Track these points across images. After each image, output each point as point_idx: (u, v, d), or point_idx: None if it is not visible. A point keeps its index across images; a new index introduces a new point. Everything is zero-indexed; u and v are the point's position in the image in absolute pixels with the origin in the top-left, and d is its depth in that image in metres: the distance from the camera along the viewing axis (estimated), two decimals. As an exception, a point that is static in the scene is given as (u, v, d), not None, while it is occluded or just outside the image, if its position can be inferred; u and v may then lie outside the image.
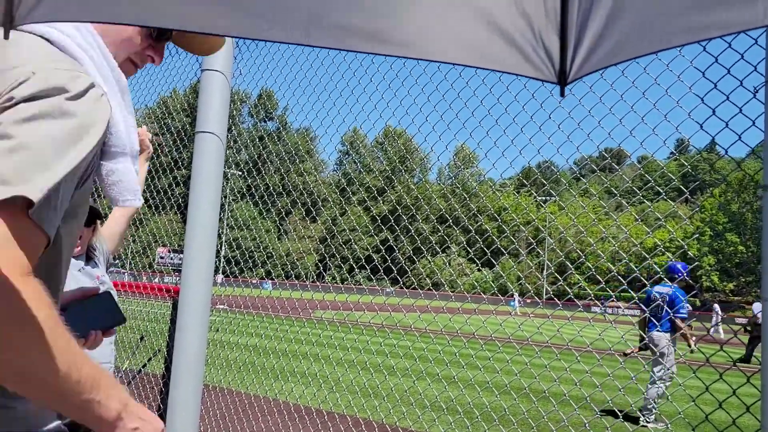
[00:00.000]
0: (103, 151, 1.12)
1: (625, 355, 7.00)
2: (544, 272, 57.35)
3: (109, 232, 3.09)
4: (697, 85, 2.61)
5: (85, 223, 2.95)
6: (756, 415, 1.65)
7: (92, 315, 1.35)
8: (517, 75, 1.51)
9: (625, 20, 1.32)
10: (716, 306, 27.49)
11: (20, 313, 0.87)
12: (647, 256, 3.01)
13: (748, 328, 19.23)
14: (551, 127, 3.12)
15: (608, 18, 1.35)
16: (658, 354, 7.13)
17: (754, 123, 2.04)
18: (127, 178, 1.15)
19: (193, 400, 3.11)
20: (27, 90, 0.97)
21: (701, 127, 2.63)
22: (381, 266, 6.28)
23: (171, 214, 7.67)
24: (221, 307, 18.19)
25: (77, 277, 2.82)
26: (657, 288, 7.29)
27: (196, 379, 3.12)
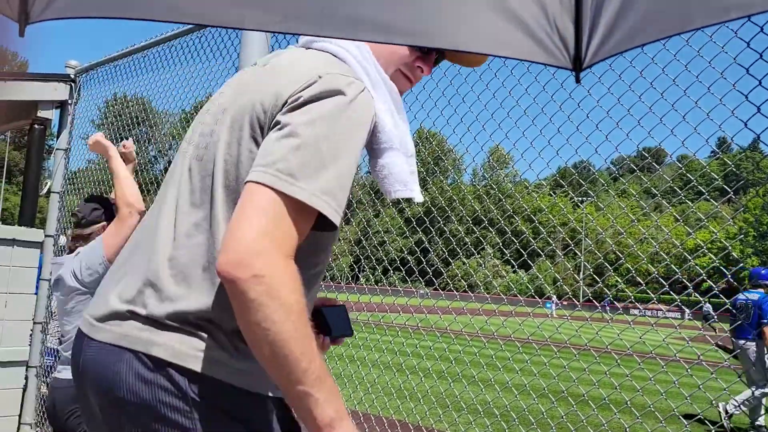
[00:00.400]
0: (373, 149, 1.29)
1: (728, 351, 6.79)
2: (581, 274, 56.51)
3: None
4: (741, 82, 2.54)
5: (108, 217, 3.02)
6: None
7: (333, 321, 1.48)
8: (532, 62, 1.49)
9: (641, 3, 1.29)
10: None
11: (279, 288, 1.00)
12: (689, 257, 2.93)
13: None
14: (589, 127, 3.07)
15: (623, 1, 1.32)
16: (750, 364, 6.89)
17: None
18: (396, 170, 1.28)
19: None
20: (313, 91, 1.13)
21: (746, 125, 2.56)
22: (415, 268, 6.27)
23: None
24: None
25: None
26: (743, 295, 7.06)
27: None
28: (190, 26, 4.43)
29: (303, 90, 1.14)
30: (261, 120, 1.16)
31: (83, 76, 5.79)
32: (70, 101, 5.77)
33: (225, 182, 1.17)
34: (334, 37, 1.24)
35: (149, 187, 6.17)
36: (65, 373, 2.81)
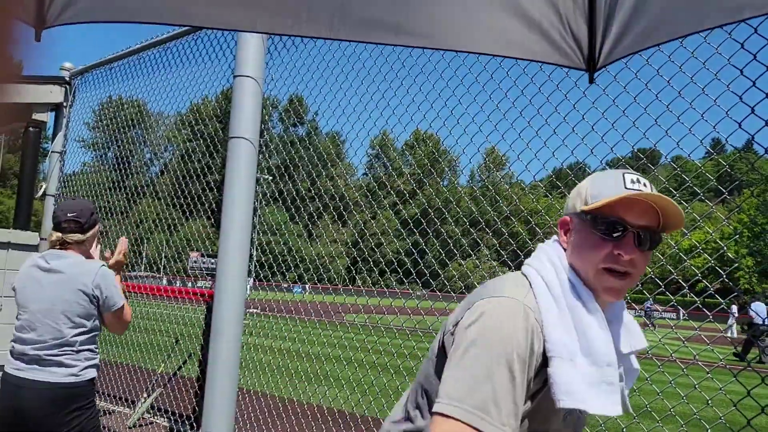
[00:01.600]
0: (546, 356, 1.25)
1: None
2: (578, 275, 56.38)
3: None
4: (735, 83, 2.55)
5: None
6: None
7: None
8: (545, 63, 1.49)
9: (654, 4, 1.28)
10: (734, 307, 27.18)
11: None
12: (684, 257, 2.95)
13: (745, 328, 18.78)
14: (585, 128, 3.08)
15: (637, 2, 1.32)
16: None
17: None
18: (560, 380, 1.23)
19: (229, 402, 3.14)
20: (466, 318, 1.22)
21: (740, 125, 2.57)
22: (412, 269, 6.26)
23: (204, 218, 7.78)
24: (254, 310, 18.36)
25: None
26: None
27: (231, 382, 3.16)
28: (186, 29, 4.42)
29: (463, 316, 1.26)
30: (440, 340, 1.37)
31: (78, 78, 5.78)
32: (65, 104, 5.76)
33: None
34: (346, 40, 1.24)
35: (144, 190, 6.16)
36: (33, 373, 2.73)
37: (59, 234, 2.92)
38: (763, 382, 2.45)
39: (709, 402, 2.78)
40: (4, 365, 2.84)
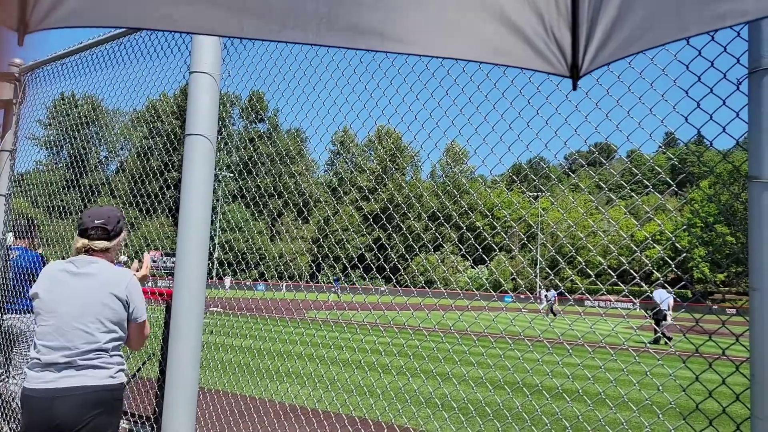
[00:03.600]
0: None
1: None
2: (537, 267, 57.54)
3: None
4: (681, 78, 2.65)
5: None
6: (746, 403, 1.69)
7: None
8: (529, 69, 1.52)
9: (637, 12, 1.32)
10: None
11: None
12: (636, 249, 3.04)
13: (648, 313, 19.98)
14: (539, 123, 3.15)
15: (620, 10, 1.35)
16: None
17: (737, 115, 2.07)
18: None
19: (189, 403, 3.12)
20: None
21: (686, 120, 2.67)
22: (374, 265, 6.30)
23: (162, 217, 7.66)
24: (214, 309, 18.17)
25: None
26: None
27: (191, 382, 3.13)
28: (140, 24, 4.34)
29: None
30: None
31: (28, 74, 5.62)
32: (14, 101, 5.59)
33: None
34: (332, 46, 1.24)
35: (101, 188, 6.04)
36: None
37: (85, 241, 2.84)
38: (710, 367, 2.55)
39: (660, 388, 2.89)
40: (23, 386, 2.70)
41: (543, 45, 1.46)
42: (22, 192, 5.83)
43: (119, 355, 2.85)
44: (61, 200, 6.44)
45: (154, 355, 5.89)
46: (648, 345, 15.00)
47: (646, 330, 22.84)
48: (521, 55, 1.46)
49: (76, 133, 6.35)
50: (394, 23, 1.30)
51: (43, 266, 3.21)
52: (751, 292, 1.71)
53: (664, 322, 16.60)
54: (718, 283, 61.37)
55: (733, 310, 42.85)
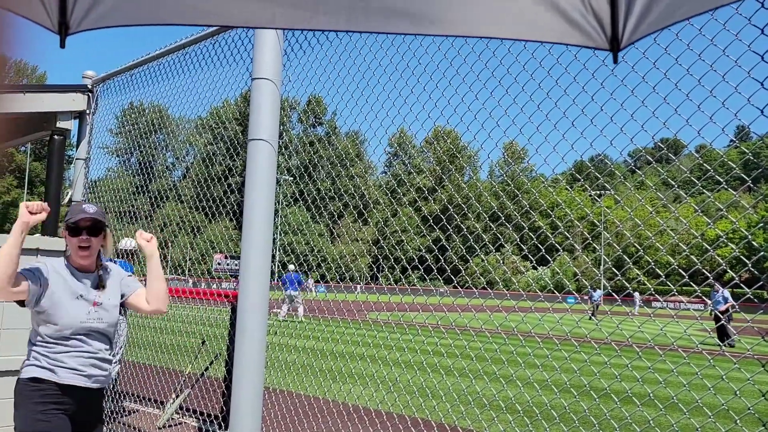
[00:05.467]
0: None
1: None
2: (602, 267, 56.01)
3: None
4: (756, 69, 2.52)
5: (90, 232, 2.84)
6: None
7: None
8: (568, 44, 1.47)
9: None
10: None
11: None
12: (709, 247, 2.91)
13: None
14: (604, 120, 3.06)
15: None
16: None
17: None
18: None
19: (255, 402, 3.18)
20: None
21: (762, 112, 2.54)
22: (434, 266, 6.27)
23: (227, 221, 7.85)
24: (277, 310, 18.51)
25: (67, 306, 2.74)
26: None
27: (257, 382, 3.20)
28: (204, 33, 4.48)
29: None
30: None
31: (100, 86, 5.88)
32: (88, 111, 5.86)
33: None
34: (364, 32, 1.24)
35: (168, 193, 6.24)
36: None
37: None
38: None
39: (737, 393, 2.76)
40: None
41: (581, 18, 1.41)
42: (95, 198, 6.10)
43: (32, 349, 2.78)
44: (132, 205, 6.70)
45: (221, 354, 6.06)
46: (723, 349, 14.34)
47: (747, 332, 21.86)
48: (559, 29, 1.41)
49: (145, 140, 6.60)
50: (425, 4, 1.27)
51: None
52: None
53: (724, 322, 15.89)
54: (797, 282, 58.12)
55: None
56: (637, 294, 38.75)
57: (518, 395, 7.61)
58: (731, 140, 3.24)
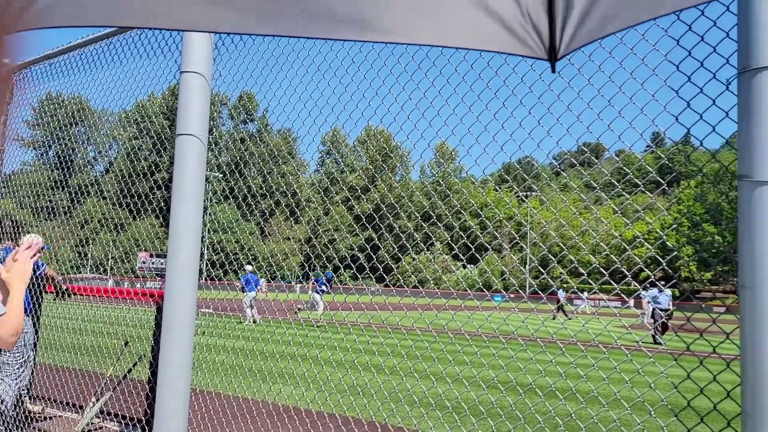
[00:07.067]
0: None
1: None
2: (528, 266, 57.72)
3: None
4: (671, 79, 2.66)
5: None
6: (736, 400, 1.70)
7: None
8: (507, 54, 1.51)
9: None
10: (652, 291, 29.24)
11: None
12: (627, 247, 3.06)
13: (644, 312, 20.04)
14: (531, 123, 3.15)
15: None
16: None
17: (727, 114, 2.08)
18: None
19: (181, 404, 3.10)
20: None
21: (677, 119, 2.68)
22: (366, 265, 6.28)
23: (152, 218, 7.62)
24: (206, 310, 18.10)
25: None
26: None
27: (183, 383, 3.11)
28: (130, 24, 4.31)
29: None
30: None
31: (16, 74, 5.57)
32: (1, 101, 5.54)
33: None
34: (312, 38, 1.24)
35: (89, 188, 6.00)
36: None
37: None
38: (701, 365, 2.57)
39: (651, 386, 2.90)
40: None
41: (520, 28, 1.45)
42: (9, 193, 5.79)
43: None
44: (50, 201, 6.40)
45: (145, 356, 5.87)
46: (640, 343, 15.04)
47: (636, 329, 22.96)
48: (500, 39, 1.45)
49: (64, 133, 6.31)
50: (373, 12, 1.29)
51: None
52: (740, 290, 1.72)
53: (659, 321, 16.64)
54: (705, 281, 61.78)
55: (722, 309, 43.20)
56: (584, 294, 40.28)
57: (447, 392, 7.74)
58: (648, 145, 3.40)
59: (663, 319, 16.45)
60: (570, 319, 26.43)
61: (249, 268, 17.77)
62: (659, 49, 2.66)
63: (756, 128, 1.73)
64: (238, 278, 18.18)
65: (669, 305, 17.17)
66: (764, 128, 1.72)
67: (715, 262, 59.67)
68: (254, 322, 16.91)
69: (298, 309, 17.94)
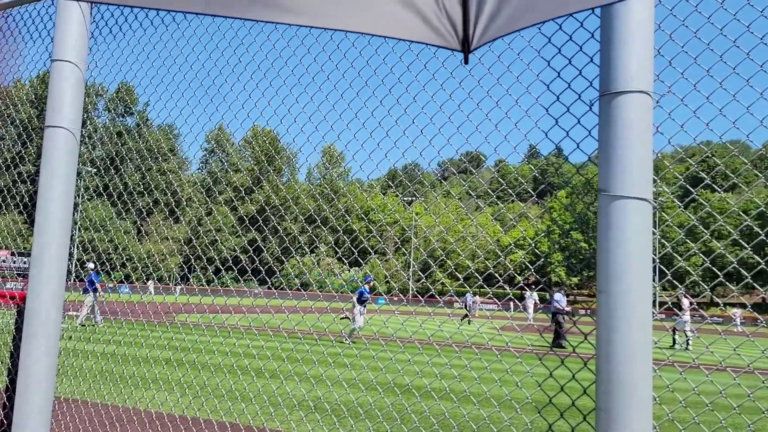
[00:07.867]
0: None
1: None
2: (410, 270, 59.05)
3: None
4: (543, 97, 2.86)
5: None
6: (592, 396, 1.84)
7: None
8: (421, 42, 1.55)
9: None
10: (535, 295, 30.96)
11: None
12: (500, 253, 3.24)
13: (548, 316, 21.48)
14: (415, 132, 3.26)
15: None
16: None
17: (590, 133, 2.28)
18: None
19: (43, 413, 2.92)
20: None
21: (546, 135, 2.89)
22: (249, 267, 6.19)
23: (15, 213, 7.07)
24: (73, 313, 16.95)
25: None
26: None
27: (46, 392, 2.93)
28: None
29: None
30: None
31: None
32: None
33: None
34: (221, 16, 1.22)
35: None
36: None
37: None
38: (562, 364, 2.77)
39: (518, 385, 3.09)
40: None
41: (435, 18, 1.50)
42: None
43: None
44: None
45: (2, 362, 5.42)
46: (509, 344, 15.83)
47: (507, 330, 24.17)
48: (413, 27, 1.49)
49: None
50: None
51: None
52: (598, 294, 1.87)
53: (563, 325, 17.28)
54: (572, 285, 66.26)
55: (588, 311, 46.46)
56: (477, 297, 41.85)
57: (327, 394, 7.77)
58: (523, 157, 3.62)
59: (565, 322, 17.22)
60: (469, 323, 27.20)
61: (90, 266, 16.24)
62: (532, 68, 2.85)
63: (612, 147, 1.90)
64: (83, 279, 16.92)
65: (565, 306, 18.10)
66: (620, 148, 1.89)
67: (579, 268, 64.13)
68: (90, 324, 15.95)
69: (345, 318, 16.28)
